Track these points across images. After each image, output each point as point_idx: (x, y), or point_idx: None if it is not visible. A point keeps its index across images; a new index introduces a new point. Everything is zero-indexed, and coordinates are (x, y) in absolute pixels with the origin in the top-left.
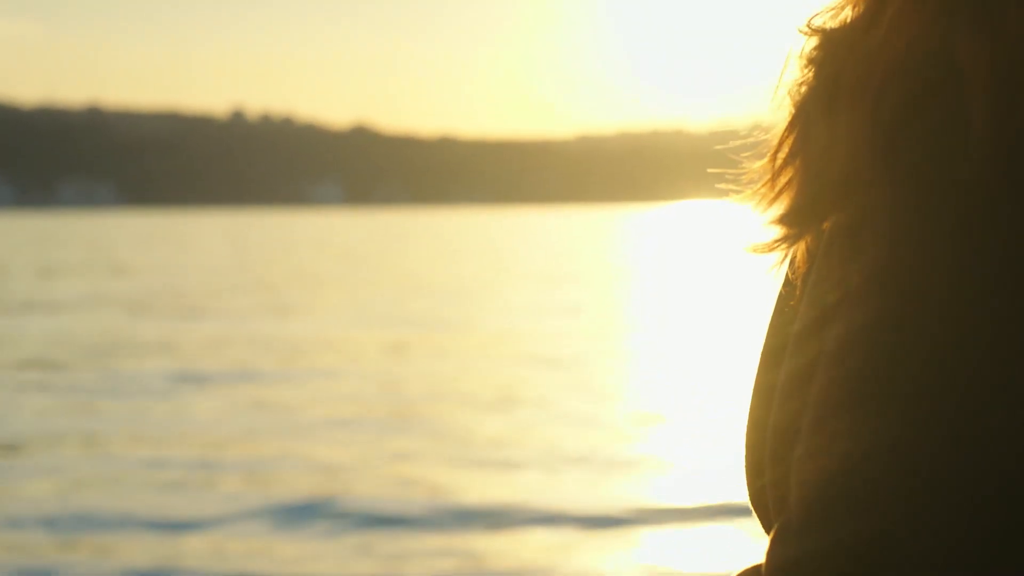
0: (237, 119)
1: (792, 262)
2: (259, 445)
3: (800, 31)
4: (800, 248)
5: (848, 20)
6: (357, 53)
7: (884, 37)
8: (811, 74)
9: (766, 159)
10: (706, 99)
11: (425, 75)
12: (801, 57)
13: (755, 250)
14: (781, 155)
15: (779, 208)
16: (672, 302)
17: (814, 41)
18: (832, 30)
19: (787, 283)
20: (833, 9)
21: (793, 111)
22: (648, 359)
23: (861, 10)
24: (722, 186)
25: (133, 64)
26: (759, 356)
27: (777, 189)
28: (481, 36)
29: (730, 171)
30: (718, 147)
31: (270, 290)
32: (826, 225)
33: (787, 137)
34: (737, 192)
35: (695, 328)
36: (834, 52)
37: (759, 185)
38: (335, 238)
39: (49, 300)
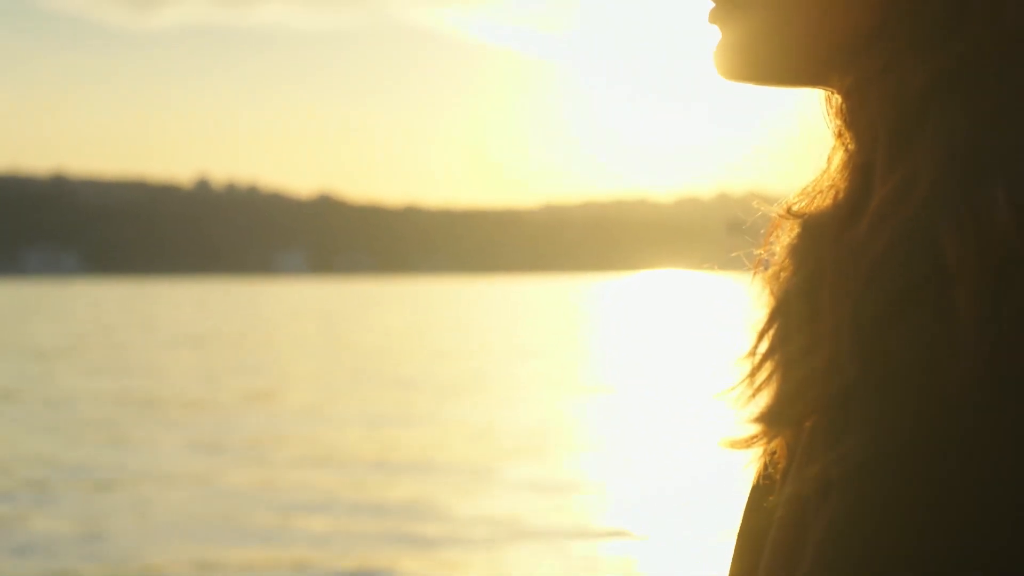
0: (202, 187)
1: (771, 455)
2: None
3: (780, 216)
4: (779, 442)
5: (829, 207)
6: (322, 122)
7: (868, 230)
8: (791, 265)
9: (745, 353)
10: (670, 170)
11: (390, 144)
12: (779, 241)
13: (733, 446)
14: (760, 350)
15: (758, 405)
16: (635, 374)
17: (793, 228)
18: (813, 218)
19: (766, 476)
20: (812, 193)
21: (773, 303)
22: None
23: (843, 199)
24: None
25: (98, 132)
26: (734, 549)
27: (756, 385)
28: (446, 106)
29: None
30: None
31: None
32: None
33: (766, 331)
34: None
35: (661, 403)
36: (816, 243)
37: (738, 381)
38: (299, 307)
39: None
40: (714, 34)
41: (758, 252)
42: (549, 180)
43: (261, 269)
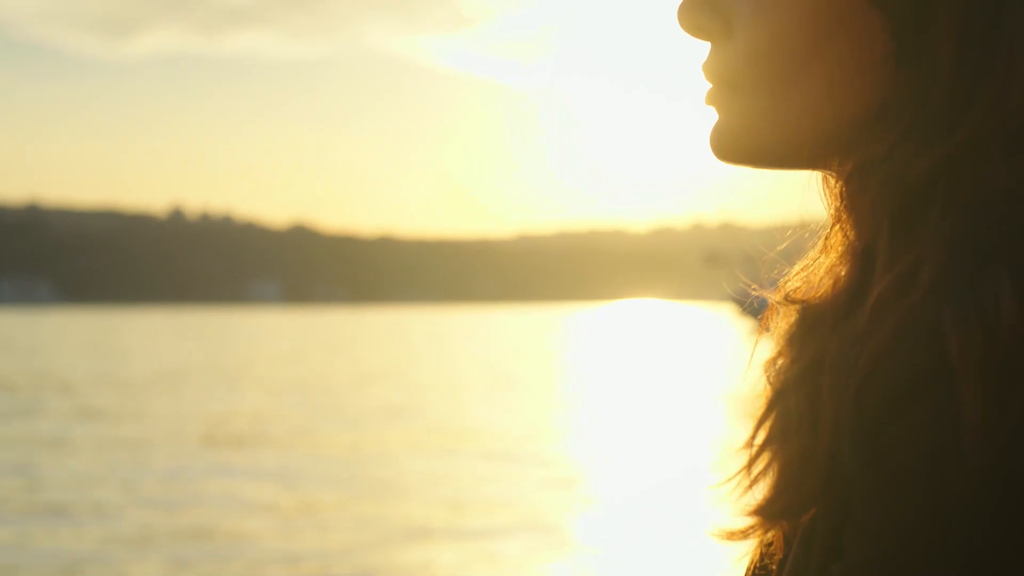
0: (176, 217)
1: (766, 546)
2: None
3: (776, 302)
4: (776, 533)
5: (828, 294)
6: (297, 152)
7: (869, 321)
8: (789, 353)
9: (743, 443)
10: (645, 200)
11: (365, 174)
12: (776, 328)
13: (728, 537)
14: (758, 441)
15: (755, 497)
16: (608, 406)
17: (791, 313)
18: (812, 306)
19: (761, 567)
20: (809, 278)
21: (771, 392)
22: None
23: (842, 287)
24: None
25: (72, 161)
26: None
27: (753, 476)
28: (421, 135)
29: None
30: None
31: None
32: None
33: (764, 421)
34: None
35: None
36: (815, 332)
37: (735, 471)
38: (271, 338)
39: None
40: (711, 116)
41: (757, 335)
42: (524, 210)
43: (235, 299)
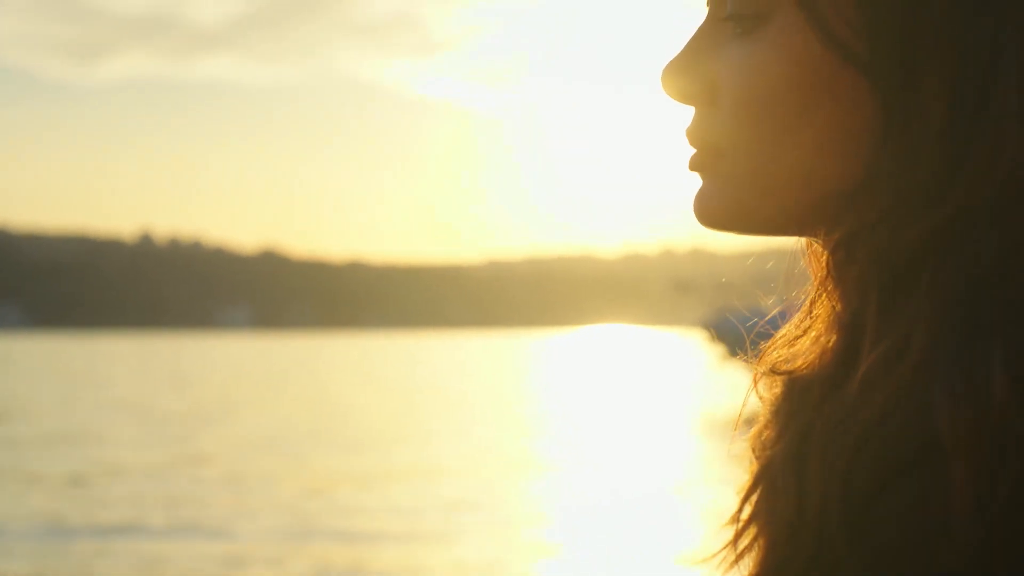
0: (145, 242)
1: None
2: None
3: (763, 372)
4: None
5: (815, 366)
6: (266, 177)
7: (857, 396)
8: (775, 426)
9: (728, 518)
10: (615, 226)
11: (334, 199)
12: (762, 398)
13: None
14: (744, 515)
15: (740, 573)
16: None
17: (776, 384)
18: (798, 379)
19: None
20: (794, 346)
21: (756, 466)
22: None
23: (830, 360)
24: None
25: (41, 186)
26: None
27: (739, 551)
28: (390, 161)
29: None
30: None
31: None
32: None
33: (750, 495)
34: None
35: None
36: (801, 406)
37: (721, 546)
38: (240, 363)
39: None
40: (694, 181)
41: (739, 407)
42: (493, 236)
43: (205, 324)
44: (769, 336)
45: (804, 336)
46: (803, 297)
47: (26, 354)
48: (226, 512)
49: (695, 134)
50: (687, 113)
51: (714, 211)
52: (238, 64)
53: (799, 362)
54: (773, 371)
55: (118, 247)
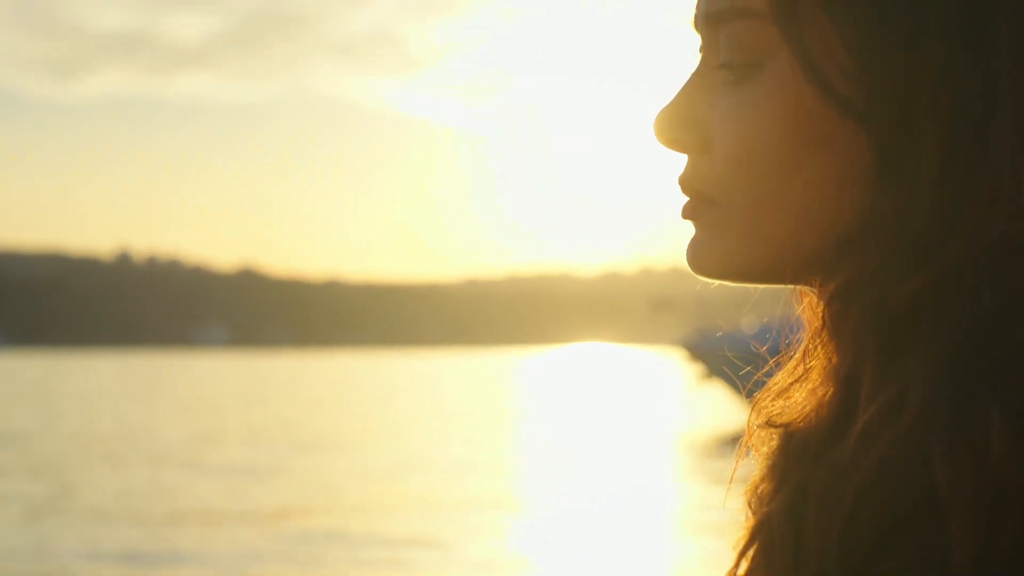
0: (123, 261)
1: None
2: None
3: (758, 425)
4: None
5: (812, 420)
6: (244, 195)
7: (855, 450)
8: (772, 481)
9: (725, 573)
10: (594, 244)
11: (312, 218)
12: (758, 451)
13: None
14: (740, 572)
15: None
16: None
17: (772, 437)
18: (795, 433)
19: None
20: (788, 397)
21: (753, 522)
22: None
23: (826, 413)
24: None
25: (18, 204)
26: None
27: None
28: (368, 178)
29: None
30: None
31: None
32: None
33: (746, 551)
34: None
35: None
36: (798, 461)
37: None
38: (218, 381)
39: None
40: (687, 229)
41: (736, 462)
42: (472, 254)
43: (182, 342)
44: (747, 357)
45: (797, 384)
46: (791, 335)
47: (3, 371)
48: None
49: (688, 183)
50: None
51: (708, 261)
52: (216, 82)
53: (795, 414)
54: (769, 424)
55: (96, 265)
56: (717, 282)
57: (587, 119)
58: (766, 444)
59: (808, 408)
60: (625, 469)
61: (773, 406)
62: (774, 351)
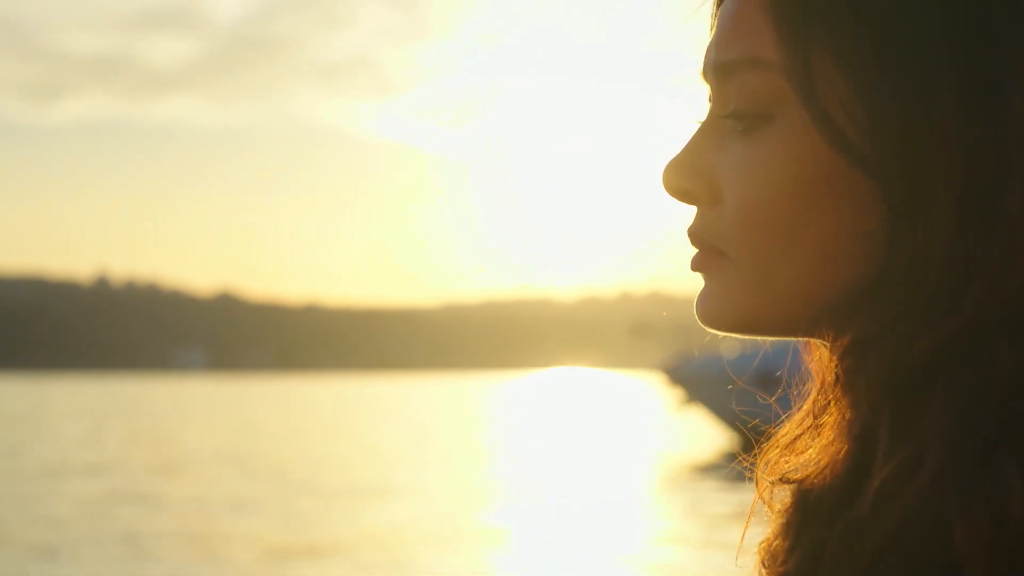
0: (101, 285)
1: None
2: None
3: (770, 480)
4: None
5: (827, 477)
6: (223, 219)
7: (872, 510)
8: (787, 539)
9: None
10: (573, 268)
11: (291, 242)
12: (770, 507)
13: None
14: None
15: None
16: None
17: (784, 493)
18: (809, 491)
19: None
20: (795, 443)
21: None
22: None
23: (841, 471)
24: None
25: None
26: None
27: None
28: (347, 203)
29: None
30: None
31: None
32: None
33: None
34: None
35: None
36: (813, 519)
37: None
38: (194, 405)
39: None
40: (698, 281)
41: (748, 521)
42: (450, 278)
43: (161, 366)
44: (727, 382)
45: (806, 436)
46: (799, 387)
47: None
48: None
49: (697, 234)
50: (652, 163)
51: (718, 314)
52: (195, 106)
53: (810, 471)
54: (783, 480)
55: (74, 289)
56: (725, 335)
57: (565, 144)
58: (779, 500)
59: (822, 464)
60: (602, 496)
61: (783, 461)
62: (754, 376)
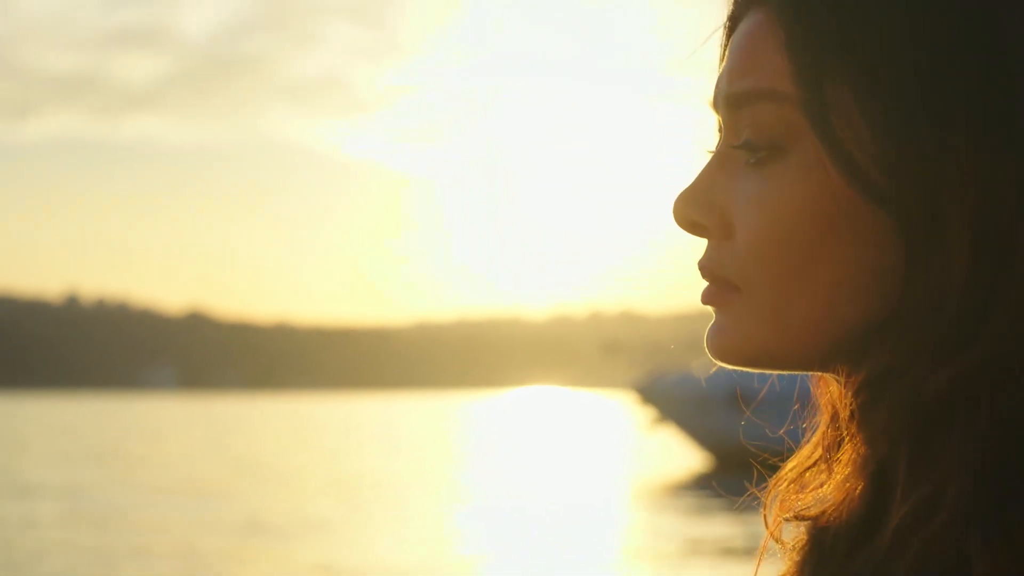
0: (71, 303)
1: None
2: None
3: (786, 518)
4: None
5: (843, 515)
6: (193, 238)
7: (890, 548)
8: (803, 569)
9: None
10: (543, 287)
11: (261, 261)
12: (783, 545)
13: None
14: None
15: None
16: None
17: (799, 530)
18: (826, 529)
19: None
20: (804, 476)
21: None
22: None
23: (857, 509)
24: None
25: None
26: None
27: None
28: (318, 222)
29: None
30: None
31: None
32: None
33: None
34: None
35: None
36: (829, 558)
37: None
38: (164, 425)
39: None
40: (710, 315)
41: (760, 559)
42: (421, 298)
43: (130, 384)
44: (699, 401)
45: (815, 470)
46: (808, 421)
47: None
48: None
49: (708, 268)
50: (629, 183)
51: (730, 349)
52: (165, 124)
53: (826, 507)
54: (798, 518)
55: (44, 307)
56: (734, 367)
57: (538, 163)
58: (793, 537)
59: (838, 501)
60: (574, 516)
61: (794, 497)
62: (726, 395)
